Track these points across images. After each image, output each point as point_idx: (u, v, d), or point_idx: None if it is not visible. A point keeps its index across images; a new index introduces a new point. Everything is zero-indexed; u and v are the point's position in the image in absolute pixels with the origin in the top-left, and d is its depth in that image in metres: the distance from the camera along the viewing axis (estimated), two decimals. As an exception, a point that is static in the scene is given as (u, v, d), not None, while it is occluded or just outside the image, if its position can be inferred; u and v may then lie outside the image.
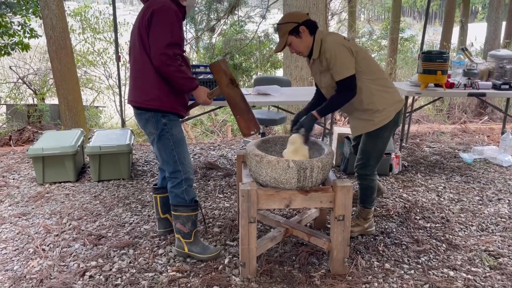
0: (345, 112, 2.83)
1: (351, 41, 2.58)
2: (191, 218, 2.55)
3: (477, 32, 14.01)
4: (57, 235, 2.92)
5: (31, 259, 2.63)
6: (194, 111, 6.01)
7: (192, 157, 4.69)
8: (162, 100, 2.38)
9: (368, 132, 2.67)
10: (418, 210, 3.27)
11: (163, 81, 2.36)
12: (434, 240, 2.81)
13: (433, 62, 3.91)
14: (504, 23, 9.87)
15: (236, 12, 8.92)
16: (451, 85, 4.12)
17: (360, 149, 2.77)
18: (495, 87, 4.15)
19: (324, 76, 2.60)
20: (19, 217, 3.20)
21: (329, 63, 2.49)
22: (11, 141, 5.89)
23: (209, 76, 3.63)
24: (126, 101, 2.61)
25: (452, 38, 11.93)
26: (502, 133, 4.73)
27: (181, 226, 2.55)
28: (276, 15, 12.34)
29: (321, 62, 2.55)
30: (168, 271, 2.47)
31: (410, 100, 5.07)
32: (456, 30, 13.06)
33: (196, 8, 8.74)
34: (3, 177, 4.08)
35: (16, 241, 2.85)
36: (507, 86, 4.09)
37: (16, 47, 8.40)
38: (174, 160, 2.47)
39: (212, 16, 8.68)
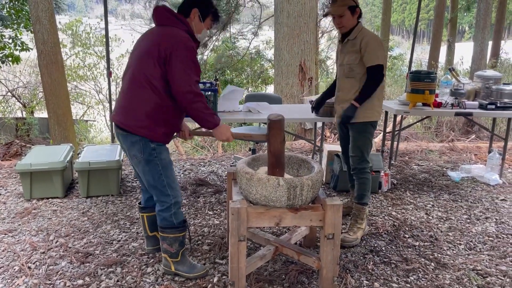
0: (341, 100, 3.13)
1: None
2: (178, 239, 2.53)
3: (464, 51, 14.29)
4: (43, 252, 2.87)
5: (17, 277, 2.58)
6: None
7: (182, 173, 4.68)
8: (153, 130, 2.35)
9: (356, 129, 3.05)
10: (407, 228, 3.28)
11: (160, 112, 2.34)
12: (423, 259, 2.83)
13: (421, 82, 3.97)
14: (490, 43, 10.09)
15: (228, 29, 9.00)
16: (438, 105, 4.19)
17: (352, 148, 3.11)
18: (481, 107, 4.22)
19: (350, 55, 2.99)
20: (5, 234, 3.15)
21: (363, 48, 2.89)
22: (-1, 155, 5.83)
23: (207, 93, 3.60)
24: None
25: (439, 57, 12.16)
26: (489, 152, 4.80)
27: (168, 246, 2.52)
28: (267, 32, 12.49)
29: (355, 44, 2.95)
30: (156, 290, 2.45)
31: (399, 118, 5.13)
32: (443, 49, 13.32)
33: None
34: (-10, 192, 4.03)
35: (1, 258, 2.80)
36: (493, 106, 4.17)
37: (6, 59, 8.38)
38: (163, 185, 2.43)
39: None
